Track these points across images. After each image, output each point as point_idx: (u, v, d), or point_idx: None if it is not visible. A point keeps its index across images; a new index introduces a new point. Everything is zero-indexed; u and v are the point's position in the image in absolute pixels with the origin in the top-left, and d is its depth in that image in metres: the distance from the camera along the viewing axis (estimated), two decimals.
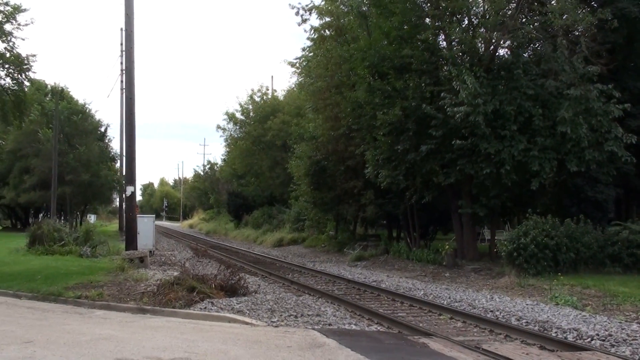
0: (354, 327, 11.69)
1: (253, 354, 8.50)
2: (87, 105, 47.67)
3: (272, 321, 11.52)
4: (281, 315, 12.24)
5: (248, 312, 12.36)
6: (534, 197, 23.81)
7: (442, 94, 21.33)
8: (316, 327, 11.14)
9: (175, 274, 16.55)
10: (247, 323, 11.21)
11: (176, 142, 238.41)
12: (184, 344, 9.08)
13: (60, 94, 44.11)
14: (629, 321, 12.58)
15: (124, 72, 28.42)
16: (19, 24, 21.51)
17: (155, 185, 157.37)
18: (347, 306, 14.57)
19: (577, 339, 10.86)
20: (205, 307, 12.67)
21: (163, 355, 8.30)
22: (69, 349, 8.69)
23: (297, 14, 32.18)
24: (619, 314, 13.60)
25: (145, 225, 27.41)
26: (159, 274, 18.60)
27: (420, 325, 12.31)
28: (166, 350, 8.63)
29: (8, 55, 21.69)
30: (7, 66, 21.84)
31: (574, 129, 19.54)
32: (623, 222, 21.49)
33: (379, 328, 12.04)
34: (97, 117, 51.58)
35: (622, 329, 11.42)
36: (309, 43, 35.48)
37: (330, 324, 11.62)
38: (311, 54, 35.85)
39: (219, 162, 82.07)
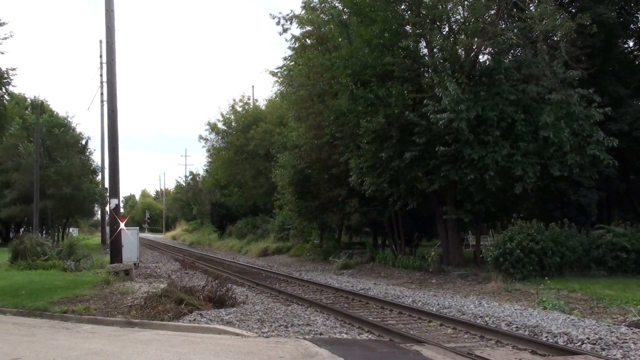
0: (345, 336, 11.65)
1: None
2: (68, 118, 47.27)
3: (262, 332, 11.45)
4: (271, 325, 12.18)
5: (238, 323, 12.28)
6: (518, 202, 23.99)
7: (424, 101, 21.42)
8: (307, 336, 11.08)
9: (162, 286, 16.45)
10: (237, 334, 11.13)
11: (157, 153, 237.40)
12: (175, 357, 8.99)
13: (40, 107, 43.74)
14: (617, 324, 12.67)
15: (105, 84, 28.24)
16: None
17: (137, 197, 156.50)
18: (337, 315, 14.52)
19: (567, 343, 10.89)
20: (194, 319, 12.57)
21: None
22: None
23: (277, 23, 32.20)
24: (607, 317, 13.70)
25: (129, 237, 27.15)
26: (145, 286, 18.46)
27: (411, 332, 12.29)
28: None
29: None
30: None
31: (556, 134, 19.72)
32: (606, 225, 21.70)
33: (370, 336, 12.00)
34: (78, 129, 51.15)
35: (612, 332, 11.49)
36: (290, 52, 35.49)
37: (321, 333, 11.57)
38: (293, 63, 35.86)
39: (202, 172, 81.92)
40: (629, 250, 19.82)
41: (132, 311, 13.41)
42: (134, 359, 8.90)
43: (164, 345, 10.03)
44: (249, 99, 60.11)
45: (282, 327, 12.12)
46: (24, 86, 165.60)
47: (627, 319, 13.00)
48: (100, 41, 51.39)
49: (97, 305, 14.61)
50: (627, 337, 11.03)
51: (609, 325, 12.34)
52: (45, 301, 14.83)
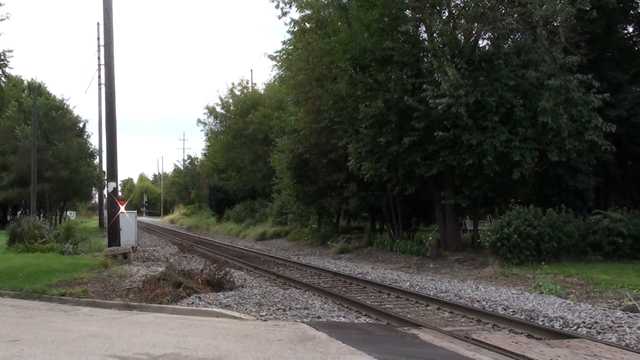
0: (342, 319, 11.70)
1: (244, 348, 8.48)
2: (65, 101, 47.07)
3: (260, 315, 11.50)
4: (269, 309, 12.23)
5: (236, 306, 12.32)
6: (515, 187, 24.02)
7: (424, 86, 21.40)
8: (305, 320, 11.14)
9: (160, 269, 16.46)
10: (235, 317, 11.18)
11: (155, 137, 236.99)
12: (173, 340, 9.04)
13: (37, 90, 43.58)
14: (613, 308, 12.74)
15: (103, 67, 28.13)
16: None
17: (135, 180, 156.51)
18: (335, 299, 14.58)
19: (563, 327, 10.97)
20: (192, 302, 12.61)
21: (153, 352, 8.26)
22: (58, 347, 8.61)
23: (277, 6, 31.93)
24: (602, 301, 13.77)
25: (127, 221, 27.09)
26: (143, 269, 18.48)
27: (409, 316, 12.36)
28: (156, 346, 8.59)
29: None
30: None
31: (554, 119, 19.70)
32: (603, 211, 21.76)
33: (367, 320, 12.06)
34: (76, 112, 50.89)
35: (607, 316, 11.55)
36: (289, 36, 35.35)
37: (319, 317, 11.63)
38: (292, 47, 35.74)
39: (200, 156, 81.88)
40: (626, 235, 19.89)
41: (130, 294, 13.45)
42: (133, 342, 8.94)
43: (162, 328, 10.08)
44: (247, 83, 60.02)
45: (280, 310, 12.17)
46: (20, 68, 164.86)
47: (623, 304, 13.08)
48: (98, 23, 51.35)
49: (95, 288, 14.64)
50: (623, 321, 11.09)
51: (604, 310, 12.41)
52: (43, 284, 14.84)
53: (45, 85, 52.98)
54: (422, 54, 23.88)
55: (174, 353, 8.16)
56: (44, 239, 24.51)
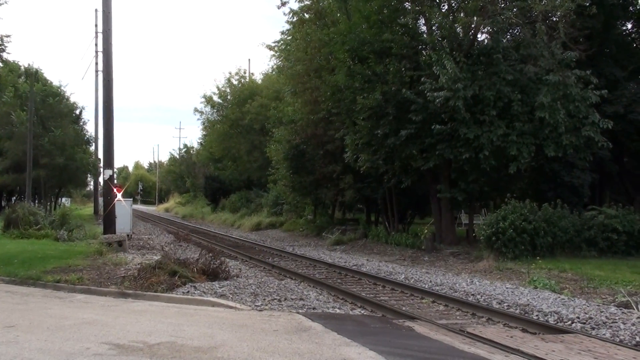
0: (338, 310, 11.73)
1: (240, 338, 8.48)
2: (62, 88, 46.82)
3: (256, 305, 11.51)
4: (265, 299, 12.24)
5: (231, 296, 12.33)
6: (511, 182, 24.08)
7: (422, 79, 21.40)
8: (300, 311, 11.16)
9: (155, 257, 16.45)
10: (231, 307, 11.18)
11: (151, 125, 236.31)
12: (169, 328, 9.04)
13: (34, 76, 43.35)
14: (606, 304, 12.80)
15: (100, 54, 27.97)
16: None
17: (130, 168, 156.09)
18: (330, 290, 14.61)
19: (558, 322, 11.02)
20: (187, 291, 12.60)
21: (149, 340, 8.25)
22: (53, 334, 8.60)
23: None
24: (596, 297, 13.83)
25: (123, 208, 27.07)
26: (138, 258, 18.46)
27: (404, 308, 12.39)
28: (152, 335, 8.58)
29: None
30: None
31: (552, 115, 19.72)
32: (598, 207, 21.83)
33: (363, 312, 12.08)
34: (72, 99, 50.59)
35: (601, 312, 11.61)
36: (288, 26, 35.24)
37: (314, 308, 11.64)
38: (290, 38, 35.62)
39: (196, 145, 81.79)
40: (620, 231, 19.95)
41: (125, 282, 13.42)
42: (128, 329, 8.93)
43: (157, 317, 10.07)
44: (245, 73, 59.88)
45: (275, 300, 12.19)
46: (17, 54, 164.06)
47: (616, 299, 13.14)
48: (96, 10, 50.97)
49: (90, 275, 14.60)
50: (617, 317, 11.16)
51: (598, 305, 12.47)
52: (38, 270, 14.80)
53: (42, 71, 52.70)
54: (420, 46, 23.86)
55: (169, 342, 8.15)
56: (38, 226, 24.44)
